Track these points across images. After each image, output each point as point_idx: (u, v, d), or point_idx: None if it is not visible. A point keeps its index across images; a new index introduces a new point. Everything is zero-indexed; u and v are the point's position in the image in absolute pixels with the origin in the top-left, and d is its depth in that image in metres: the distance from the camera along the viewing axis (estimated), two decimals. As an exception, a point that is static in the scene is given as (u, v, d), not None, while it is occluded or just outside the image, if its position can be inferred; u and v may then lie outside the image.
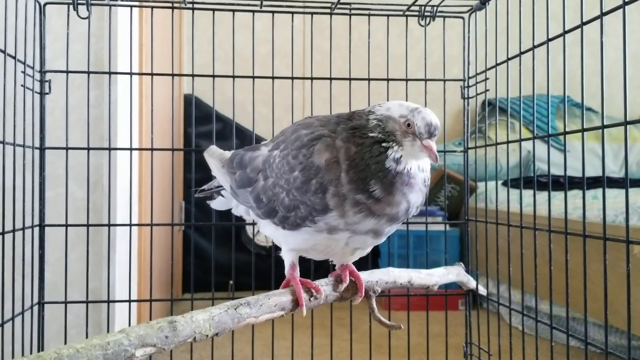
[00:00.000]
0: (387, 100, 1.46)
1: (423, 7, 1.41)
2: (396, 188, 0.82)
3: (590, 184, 2.46)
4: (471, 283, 1.29)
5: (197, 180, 1.57)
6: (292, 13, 1.41)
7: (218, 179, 1.13)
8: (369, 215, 0.84)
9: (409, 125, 0.84)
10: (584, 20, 1.02)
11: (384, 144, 0.83)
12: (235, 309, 0.81)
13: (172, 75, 1.38)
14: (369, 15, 1.43)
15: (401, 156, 0.83)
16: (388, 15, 1.44)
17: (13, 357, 1.20)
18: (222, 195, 1.15)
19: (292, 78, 1.45)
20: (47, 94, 1.33)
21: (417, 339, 1.62)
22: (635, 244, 0.91)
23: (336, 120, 0.90)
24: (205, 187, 1.20)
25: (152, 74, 1.38)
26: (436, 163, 0.86)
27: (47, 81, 1.32)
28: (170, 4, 1.39)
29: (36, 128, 1.32)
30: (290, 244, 0.95)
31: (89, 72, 1.35)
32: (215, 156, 1.13)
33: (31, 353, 1.24)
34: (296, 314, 0.94)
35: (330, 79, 1.45)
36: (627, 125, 0.90)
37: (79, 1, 1.29)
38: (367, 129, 0.85)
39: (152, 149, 1.38)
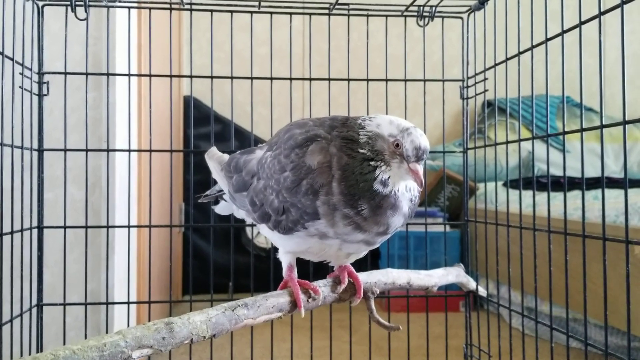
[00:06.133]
0: (386, 102, 1.47)
1: (421, 7, 1.41)
2: (383, 210, 0.82)
3: (591, 185, 2.46)
4: (471, 284, 1.29)
5: (196, 182, 1.58)
6: (291, 14, 1.41)
7: (218, 182, 1.13)
8: (357, 229, 0.83)
9: (397, 145, 0.83)
10: (582, 20, 1.02)
11: (372, 163, 0.82)
12: (233, 310, 0.81)
13: (171, 76, 1.37)
14: (367, 15, 1.43)
15: (389, 177, 0.83)
16: (386, 16, 1.44)
17: (12, 359, 1.19)
18: (224, 200, 1.15)
19: (291, 79, 1.45)
20: (46, 95, 1.33)
21: (417, 340, 1.62)
22: (634, 244, 0.91)
23: (330, 123, 0.89)
24: (208, 192, 1.19)
25: (150, 75, 1.38)
26: (421, 188, 0.85)
27: (45, 83, 1.32)
28: (168, 5, 1.39)
29: (34, 130, 1.32)
30: (286, 247, 0.95)
31: (87, 74, 1.35)
32: (214, 159, 1.13)
33: (30, 355, 1.24)
34: (295, 315, 0.94)
35: (329, 79, 1.44)
36: (626, 125, 0.89)
37: (76, 2, 1.29)
38: (358, 144, 0.84)
39: (150, 150, 1.38)
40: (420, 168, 0.83)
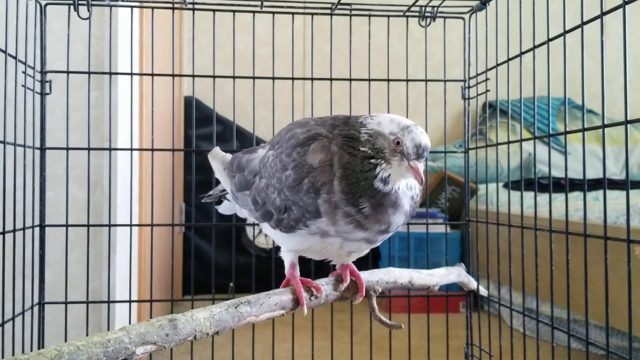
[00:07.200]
0: (388, 102, 1.47)
1: (423, 8, 1.41)
2: (384, 208, 0.82)
3: (591, 186, 2.46)
4: (472, 284, 1.29)
5: (197, 183, 1.58)
6: (293, 14, 1.41)
7: (221, 182, 1.13)
8: (358, 227, 0.84)
9: (398, 143, 0.83)
10: (584, 20, 1.02)
11: (372, 161, 0.83)
12: (236, 308, 0.81)
13: (173, 75, 1.38)
14: (369, 15, 1.43)
15: (389, 175, 0.83)
16: (388, 16, 1.45)
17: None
18: (227, 199, 1.15)
19: (293, 79, 1.45)
20: (48, 94, 1.33)
21: (418, 341, 1.62)
22: (636, 243, 0.91)
23: (332, 122, 0.89)
24: (211, 192, 1.20)
25: (152, 75, 1.38)
26: (421, 186, 0.85)
27: (47, 81, 1.33)
28: (170, 5, 1.39)
29: (37, 128, 1.32)
30: (289, 245, 0.95)
31: (89, 73, 1.35)
32: (217, 159, 1.13)
33: (31, 353, 1.24)
34: (297, 315, 0.94)
35: (331, 79, 1.45)
36: (628, 125, 0.90)
37: (79, 2, 1.30)
38: (359, 142, 0.84)
39: (152, 150, 1.38)
40: (420, 165, 0.83)
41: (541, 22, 1.11)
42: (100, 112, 1.68)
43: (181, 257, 3.23)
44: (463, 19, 1.47)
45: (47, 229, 1.33)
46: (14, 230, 1.20)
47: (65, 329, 1.33)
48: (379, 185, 0.82)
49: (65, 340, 1.34)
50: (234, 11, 1.39)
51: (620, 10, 0.91)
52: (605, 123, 0.95)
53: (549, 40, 1.13)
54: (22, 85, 1.22)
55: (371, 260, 1.39)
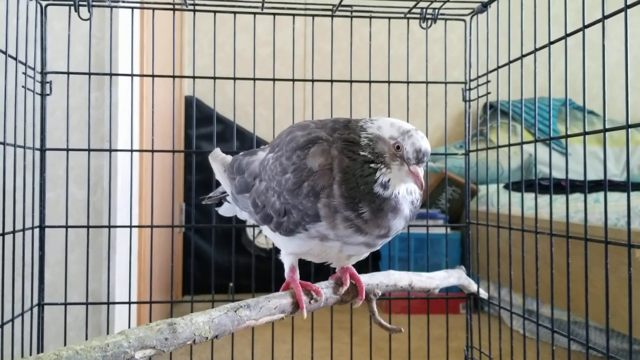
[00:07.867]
0: (388, 103, 1.47)
1: (424, 10, 1.41)
2: (383, 213, 0.82)
3: (591, 188, 2.46)
4: (472, 286, 1.29)
5: (197, 183, 1.58)
6: (294, 15, 1.41)
7: (221, 184, 1.13)
8: (358, 232, 0.83)
9: (398, 147, 0.83)
10: (586, 23, 1.02)
11: (372, 165, 0.82)
12: (235, 312, 0.81)
13: (173, 76, 1.38)
14: (370, 17, 1.43)
15: (389, 180, 0.82)
16: (389, 18, 1.44)
17: (12, 358, 1.19)
18: (227, 201, 1.15)
19: (293, 80, 1.45)
20: (48, 95, 1.33)
21: (417, 342, 1.62)
22: (636, 247, 0.91)
23: (332, 125, 0.89)
24: (211, 194, 1.19)
25: (153, 76, 1.38)
26: (421, 190, 0.85)
27: (48, 82, 1.33)
28: (171, 6, 1.39)
29: (37, 129, 1.32)
30: (288, 248, 0.95)
31: (90, 74, 1.35)
32: (218, 160, 1.13)
33: (30, 354, 1.24)
34: (296, 316, 0.93)
35: (332, 81, 1.45)
36: (629, 129, 0.89)
37: (80, 2, 1.29)
38: (359, 146, 0.84)
39: (152, 151, 1.38)
40: (420, 170, 0.83)
41: (542, 24, 1.11)
42: (100, 113, 1.68)
43: (181, 257, 3.23)
44: (464, 21, 1.47)
45: (47, 229, 1.33)
46: (14, 232, 1.20)
47: (64, 330, 1.33)
48: (379, 190, 0.82)
49: (65, 342, 1.34)
50: (234, 12, 1.39)
51: (621, 12, 0.91)
52: (607, 127, 0.95)
53: (550, 43, 1.13)
54: (23, 86, 1.22)
55: (371, 261, 1.38)
